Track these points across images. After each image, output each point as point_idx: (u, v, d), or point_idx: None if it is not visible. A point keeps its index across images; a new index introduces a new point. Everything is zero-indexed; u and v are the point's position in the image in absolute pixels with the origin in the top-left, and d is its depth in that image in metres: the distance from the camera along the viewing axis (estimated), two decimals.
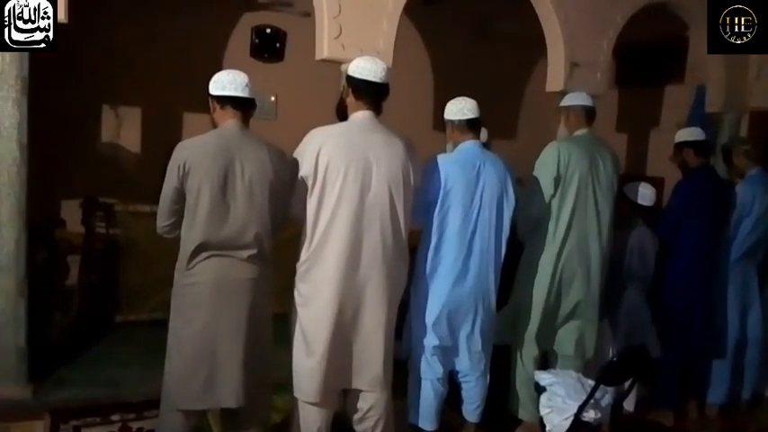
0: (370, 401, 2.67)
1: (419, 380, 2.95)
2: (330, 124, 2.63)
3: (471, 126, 2.92)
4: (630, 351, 2.98)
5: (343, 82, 2.66)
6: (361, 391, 2.68)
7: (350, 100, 2.60)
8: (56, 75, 4.11)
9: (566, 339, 3.26)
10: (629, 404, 3.47)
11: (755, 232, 3.71)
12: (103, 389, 3.26)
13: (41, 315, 3.51)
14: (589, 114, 3.30)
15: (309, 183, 2.47)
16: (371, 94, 2.55)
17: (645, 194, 3.56)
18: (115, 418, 3.13)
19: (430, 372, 2.92)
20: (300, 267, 2.57)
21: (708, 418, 3.80)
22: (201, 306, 2.36)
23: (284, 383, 2.66)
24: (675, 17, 4.80)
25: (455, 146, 2.96)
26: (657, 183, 4.14)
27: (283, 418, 2.92)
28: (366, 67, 2.54)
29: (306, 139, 2.52)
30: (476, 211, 2.84)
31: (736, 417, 3.86)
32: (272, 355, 2.57)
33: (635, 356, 2.86)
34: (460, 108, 2.92)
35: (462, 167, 2.83)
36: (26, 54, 2.95)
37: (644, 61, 5.97)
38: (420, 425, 2.97)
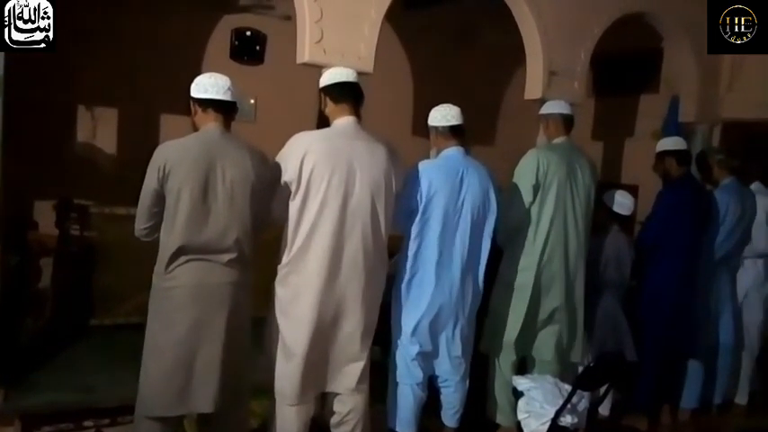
0: (349, 405, 2.68)
1: (399, 384, 2.95)
2: (310, 129, 2.64)
3: (455, 132, 2.95)
4: (607, 357, 3.03)
5: (320, 95, 2.69)
6: (339, 394, 2.68)
7: (329, 109, 2.64)
8: (31, 73, 4.03)
9: (544, 345, 3.29)
10: (604, 409, 3.51)
11: (729, 240, 3.78)
12: (77, 394, 3.19)
13: (13, 318, 3.43)
14: (568, 122, 3.34)
15: (293, 188, 2.47)
16: (347, 95, 2.60)
17: (623, 204, 3.60)
18: (88, 423, 3.08)
19: (409, 377, 2.93)
20: (281, 271, 2.56)
21: (680, 422, 3.86)
22: (180, 310, 2.33)
23: (262, 388, 2.64)
24: (651, 29, 4.90)
25: (438, 152, 2.98)
26: (632, 190, 4.19)
27: (261, 423, 2.90)
28: (336, 72, 2.64)
29: (290, 144, 2.52)
30: (457, 218, 2.87)
31: (707, 421, 3.93)
32: (250, 359, 2.54)
33: (611, 362, 2.91)
34: (444, 114, 2.94)
35: (446, 174, 2.85)
36: (1, 53, 2.88)
37: (620, 71, 6.06)
38: (399, 429, 2.97)
